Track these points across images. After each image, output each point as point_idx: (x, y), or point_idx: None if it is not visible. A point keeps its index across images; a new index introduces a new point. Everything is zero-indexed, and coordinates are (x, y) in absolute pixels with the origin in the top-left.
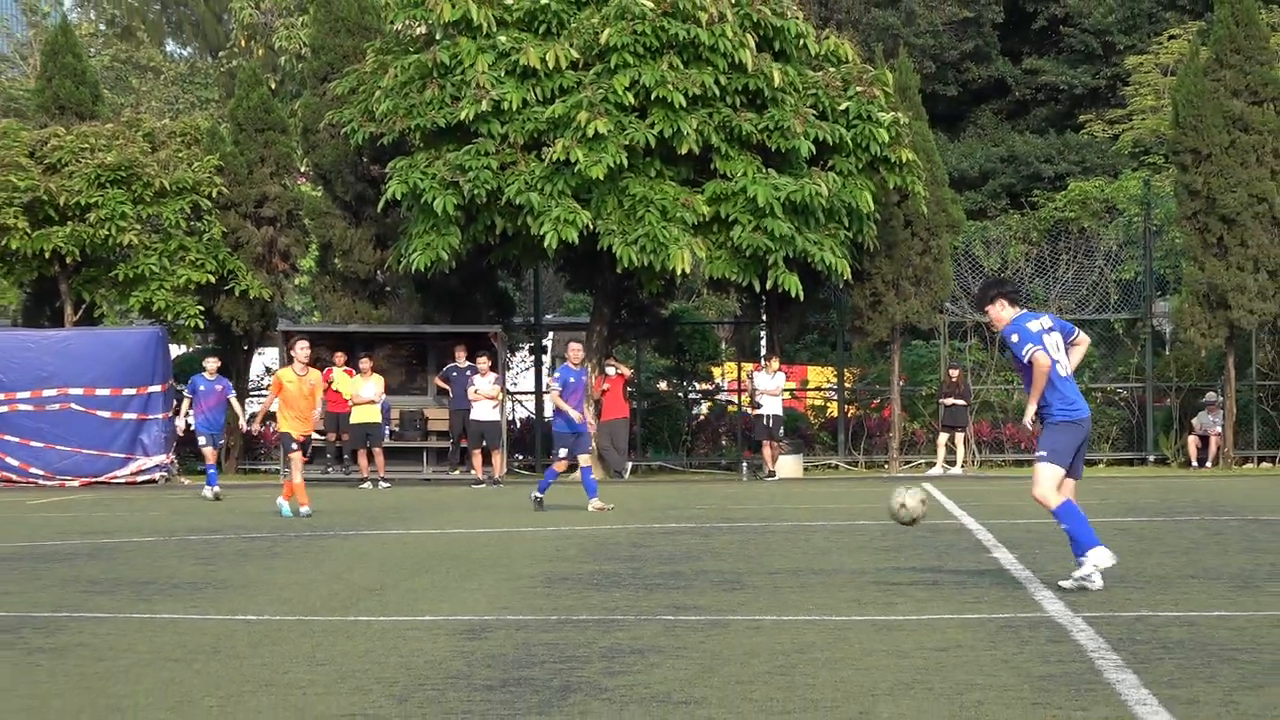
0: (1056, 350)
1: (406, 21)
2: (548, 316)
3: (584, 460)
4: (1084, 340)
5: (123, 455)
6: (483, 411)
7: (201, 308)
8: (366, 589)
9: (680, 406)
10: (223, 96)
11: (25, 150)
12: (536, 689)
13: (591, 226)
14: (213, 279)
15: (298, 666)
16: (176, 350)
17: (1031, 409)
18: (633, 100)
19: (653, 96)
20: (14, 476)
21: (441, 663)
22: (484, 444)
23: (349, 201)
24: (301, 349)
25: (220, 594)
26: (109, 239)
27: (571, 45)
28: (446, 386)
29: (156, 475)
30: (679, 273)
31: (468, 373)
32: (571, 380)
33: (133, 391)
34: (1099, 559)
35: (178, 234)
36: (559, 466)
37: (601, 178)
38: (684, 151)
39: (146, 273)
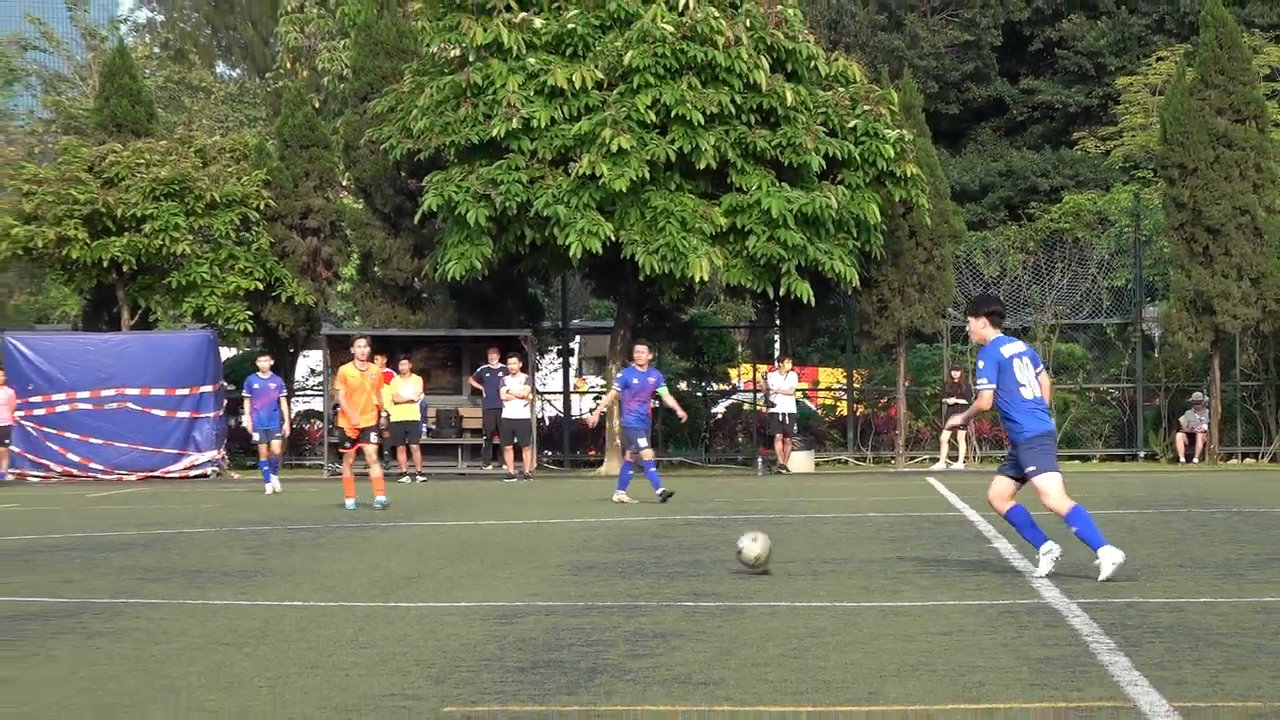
0: (1024, 372)
1: (442, 45)
2: (575, 321)
3: (629, 455)
4: (1047, 380)
5: (176, 451)
6: (514, 410)
7: (250, 313)
8: (405, 577)
9: (699, 405)
10: (269, 115)
11: (85, 165)
12: (565, 670)
13: (615, 237)
14: (260, 286)
15: (341, 649)
16: (227, 353)
17: (958, 419)
18: (654, 118)
19: (673, 114)
20: (75, 471)
21: (476, 646)
22: (515, 440)
23: (388, 213)
24: (360, 346)
25: (268, 581)
26: (163, 248)
27: (596, 67)
28: (480, 387)
29: (208, 470)
30: (698, 280)
31: (500, 374)
32: (635, 381)
33: (186, 391)
34: (1114, 557)
35: (228, 244)
36: (647, 456)
37: (625, 191)
38: (702, 166)
39: (198, 280)
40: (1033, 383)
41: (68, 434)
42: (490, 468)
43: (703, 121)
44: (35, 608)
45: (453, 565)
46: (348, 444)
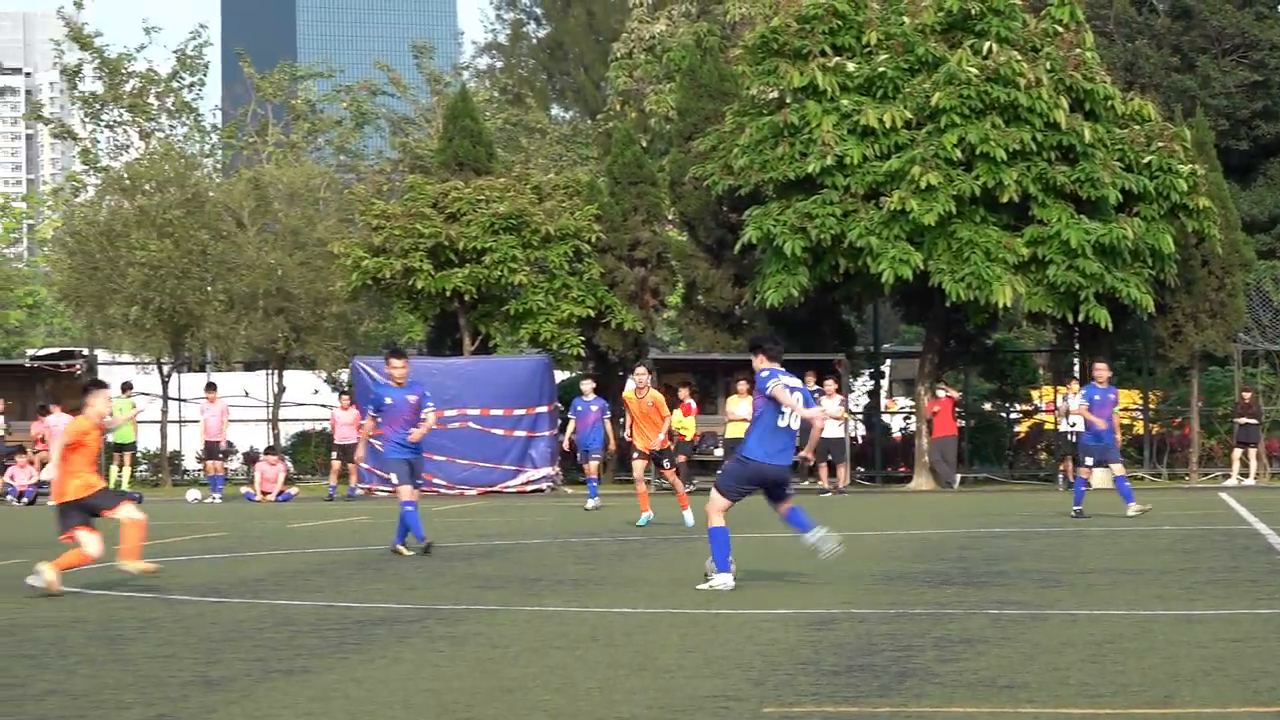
0: (793, 407)
1: (760, 87)
2: (885, 345)
3: (1116, 469)
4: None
5: (514, 468)
6: (829, 430)
7: (582, 338)
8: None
9: (1003, 425)
10: (600, 154)
11: (430, 201)
12: (877, 674)
13: (923, 266)
14: (592, 313)
15: (667, 653)
16: (561, 376)
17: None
18: (960, 155)
19: (977, 152)
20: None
21: (792, 650)
22: (830, 458)
23: (710, 245)
24: (638, 374)
25: (599, 589)
26: (502, 279)
27: (905, 107)
28: None
29: (544, 486)
30: (1001, 306)
31: (815, 395)
32: (1097, 397)
33: (523, 412)
34: (722, 582)
35: (561, 274)
36: (1084, 474)
37: (933, 224)
38: (1005, 200)
39: (534, 308)
40: (792, 419)
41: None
42: (806, 483)
43: (1005, 158)
44: (383, 613)
45: (770, 574)
46: (635, 457)
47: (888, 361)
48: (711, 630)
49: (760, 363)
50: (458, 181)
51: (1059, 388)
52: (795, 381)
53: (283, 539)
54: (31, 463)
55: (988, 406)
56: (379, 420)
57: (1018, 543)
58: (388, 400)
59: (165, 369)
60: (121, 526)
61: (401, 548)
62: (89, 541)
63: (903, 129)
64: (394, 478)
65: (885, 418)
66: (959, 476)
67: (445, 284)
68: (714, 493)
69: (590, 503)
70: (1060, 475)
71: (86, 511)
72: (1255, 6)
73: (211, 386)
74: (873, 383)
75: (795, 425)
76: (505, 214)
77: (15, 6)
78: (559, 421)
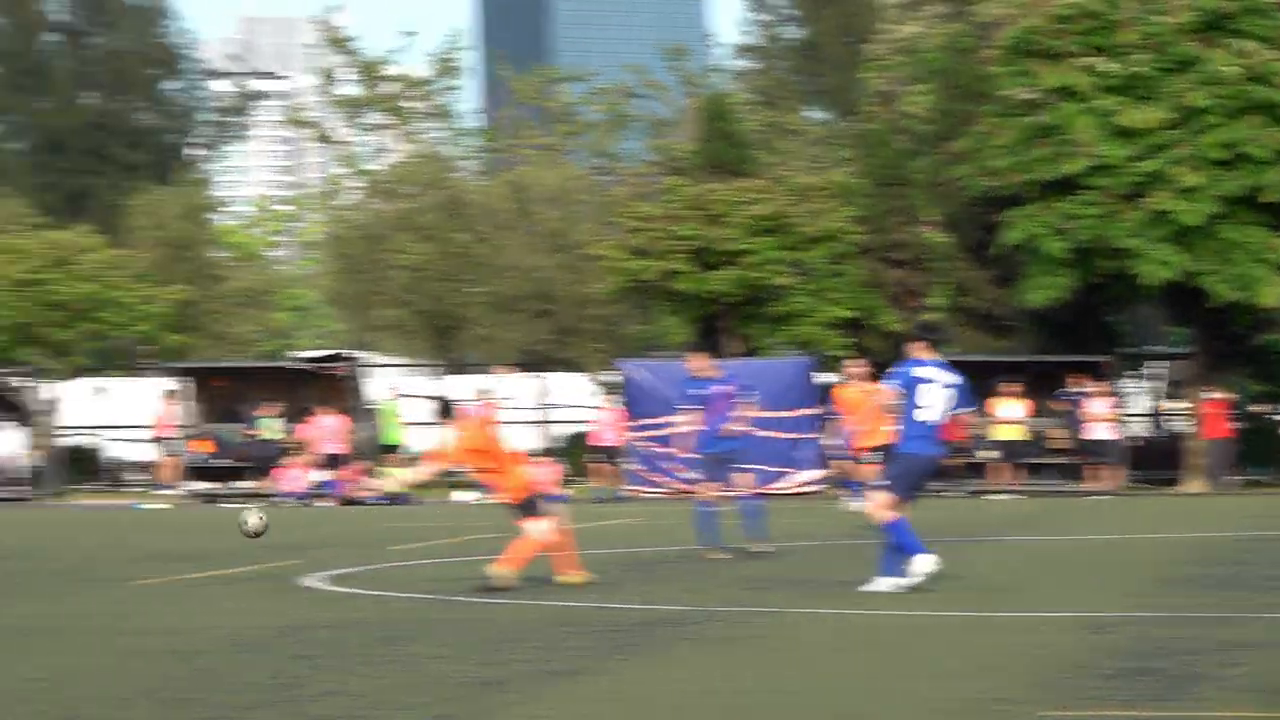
0: (926, 397)
1: (1015, 88)
2: (1152, 346)
3: None
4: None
5: (779, 470)
6: (1098, 431)
7: (846, 339)
8: (1001, 588)
9: (1274, 427)
10: (857, 155)
11: (688, 204)
12: (1156, 678)
13: (1186, 267)
14: (854, 315)
15: (940, 656)
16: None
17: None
18: (1222, 155)
19: (1239, 152)
20: (687, 487)
21: (1068, 653)
22: (1098, 460)
23: (971, 246)
24: (848, 368)
25: (869, 592)
26: (763, 281)
27: (1163, 107)
28: (1064, 409)
29: (811, 487)
30: (1268, 306)
31: (1082, 396)
32: None
33: (787, 414)
34: (924, 566)
35: (823, 276)
36: None
37: (1195, 224)
38: (1269, 200)
39: (796, 310)
40: (936, 409)
41: (681, 453)
42: (1075, 486)
43: (1268, 158)
44: (658, 615)
45: (1044, 578)
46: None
47: (1157, 363)
48: (985, 633)
49: (914, 350)
50: (715, 183)
51: None
52: (934, 374)
53: None
54: (301, 464)
55: (1258, 408)
56: (701, 412)
57: None
58: (700, 391)
59: (438, 371)
60: (522, 535)
61: (751, 546)
62: (534, 529)
63: (1161, 129)
64: (702, 474)
65: (1157, 420)
66: (1232, 479)
67: (706, 286)
68: (874, 492)
69: (852, 504)
70: None
71: (527, 507)
72: None
73: (483, 393)
74: (1144, 384)
75: (933, 418)
76: (764, 215)
77: (275, 12)
78: (823, 424)
